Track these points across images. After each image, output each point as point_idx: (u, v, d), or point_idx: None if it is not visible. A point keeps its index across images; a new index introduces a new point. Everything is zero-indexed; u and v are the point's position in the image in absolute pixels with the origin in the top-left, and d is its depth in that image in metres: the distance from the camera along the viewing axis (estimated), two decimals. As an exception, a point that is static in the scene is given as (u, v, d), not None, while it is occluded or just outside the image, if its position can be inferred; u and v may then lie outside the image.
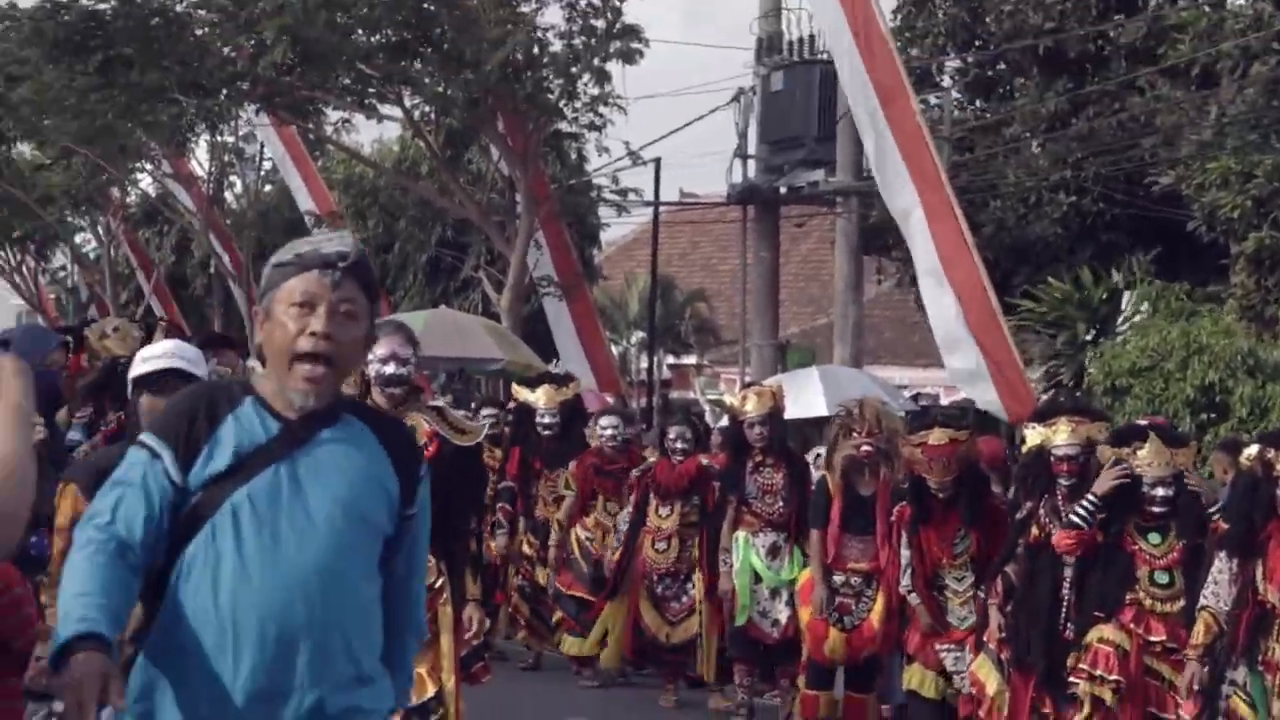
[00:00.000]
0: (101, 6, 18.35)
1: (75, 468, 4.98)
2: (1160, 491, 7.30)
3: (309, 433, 3.16)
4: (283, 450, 3.13)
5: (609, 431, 10.86)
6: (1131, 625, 7.26)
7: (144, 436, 3.17)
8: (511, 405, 11.78)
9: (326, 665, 3.09)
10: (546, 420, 11.07)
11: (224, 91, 19.51)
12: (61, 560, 4.50)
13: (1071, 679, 7.35)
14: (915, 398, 16.85)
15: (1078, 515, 7.33)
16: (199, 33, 18.74)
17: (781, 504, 9.67)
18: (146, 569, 3.05)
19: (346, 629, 3.12)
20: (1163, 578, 7.28)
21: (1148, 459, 7.35)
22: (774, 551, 9.67)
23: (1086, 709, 7.30)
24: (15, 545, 1.81)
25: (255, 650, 3.04)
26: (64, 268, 36.67)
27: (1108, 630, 7.27)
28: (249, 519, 3.07)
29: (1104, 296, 15.63)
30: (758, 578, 9.65)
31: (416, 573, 3.39)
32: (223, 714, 3.03)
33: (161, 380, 4.62)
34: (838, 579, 9.08)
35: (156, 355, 4.80)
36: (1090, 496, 7.33)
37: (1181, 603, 7.22)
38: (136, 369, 4.75)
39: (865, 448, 8.96)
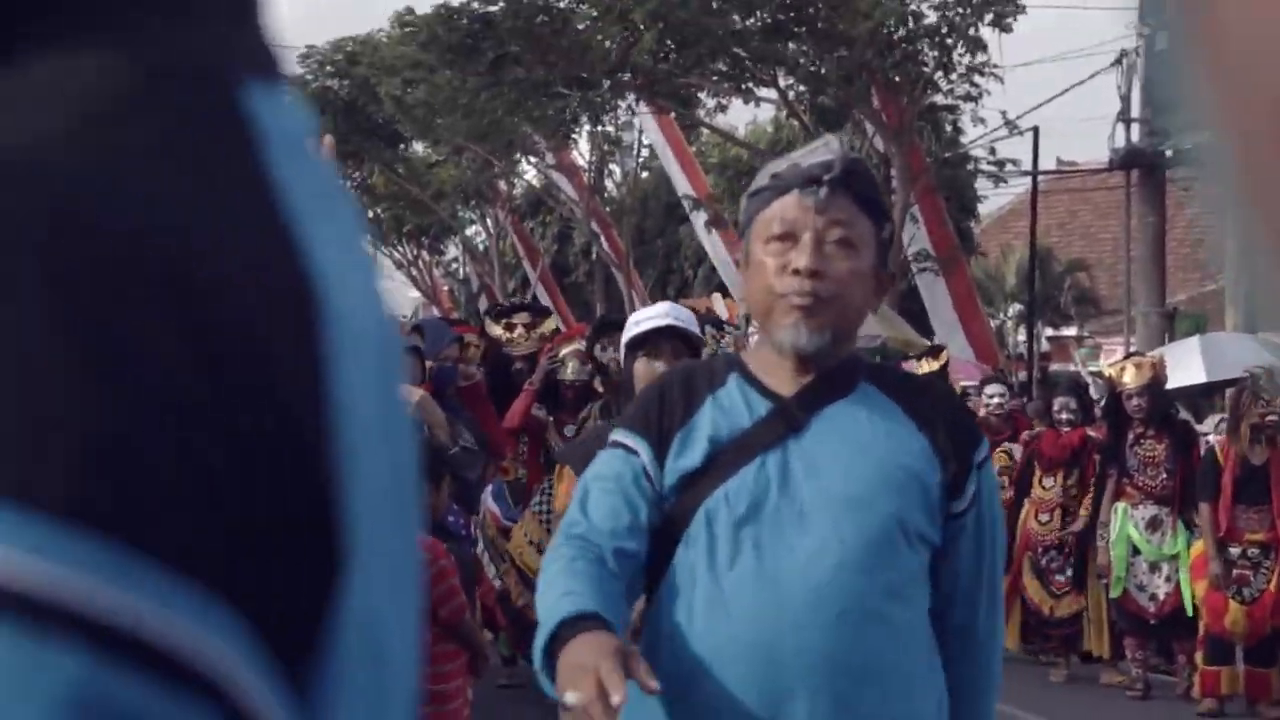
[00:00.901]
0: (492, 9, 19.26)
1: (567, 450, 4.91)
2: None
3: (808, 412, 2.45)
4: (771, 436, 2.43)
5: (995, 400, 10.84)
6: None
7: (615, 434, 2.56)
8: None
9: (842, 715, 2.34)
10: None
11: (606, 83, 20.17)
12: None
13: None
14: (1316, 364, 16.12)
15: None
16: (580, 28, 19.43)
17: (1165, 476, 9.51)
18: (630, 582, 2.42)
19: (869, 669, 2.35)
20: None
21: None
22: (1154, 524, 9.52)
23: None
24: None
25: (739, 696, 2.32)
26: (455, 259, 38.42)
27: None
28: (725, 526, 2.39)
29: None
30: (1136, 550, 9.53)
31: (985, 602, 2.49)
32: None
33: (655, 339, 4.26)
34: (1234, 550, 8.92)
35: (651, 316, 4.39)
36: None
37: None
38: (629, 333, 4.40)
39: (1271, 416, 8.79)
